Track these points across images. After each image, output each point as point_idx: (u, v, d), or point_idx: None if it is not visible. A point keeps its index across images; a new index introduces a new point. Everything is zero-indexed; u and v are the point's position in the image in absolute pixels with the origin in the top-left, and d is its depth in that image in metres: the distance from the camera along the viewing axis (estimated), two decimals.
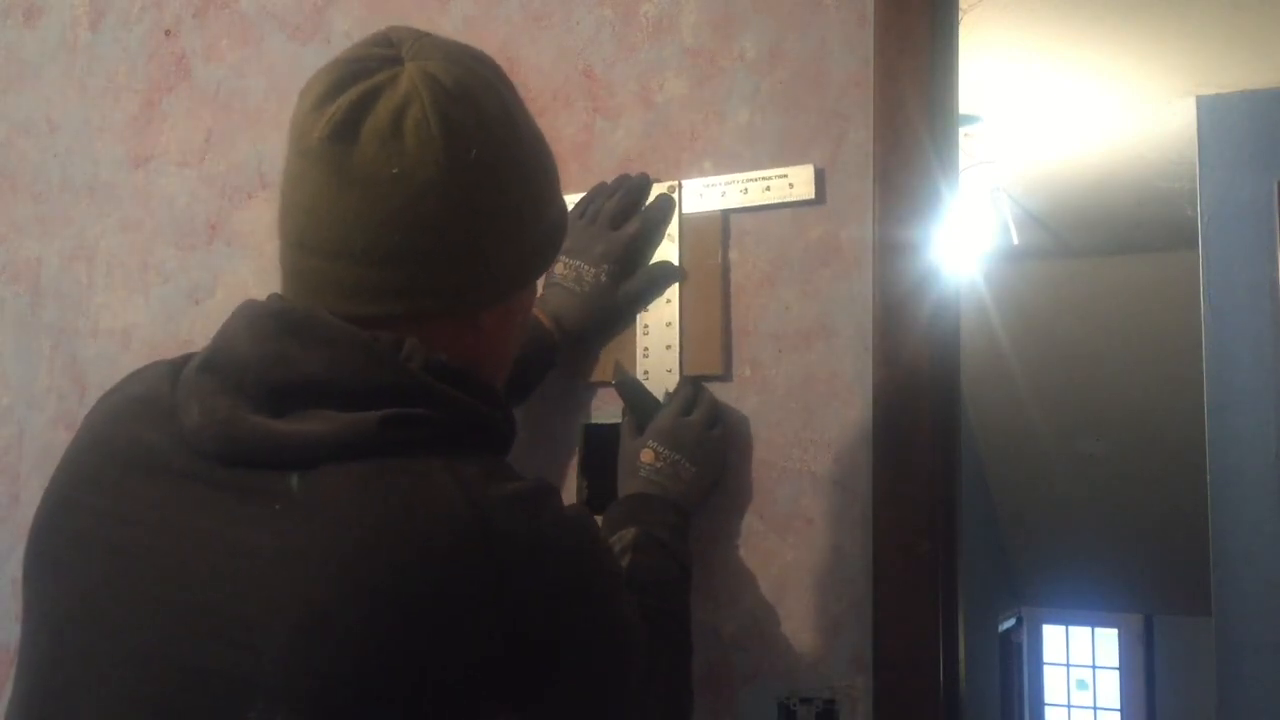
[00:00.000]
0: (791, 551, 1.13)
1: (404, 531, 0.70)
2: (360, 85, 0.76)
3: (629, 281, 1.18)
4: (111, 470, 0.78)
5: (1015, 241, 4.03)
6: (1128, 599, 6.30)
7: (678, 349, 1.18)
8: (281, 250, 0.81)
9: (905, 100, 1.12)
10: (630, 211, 1.19)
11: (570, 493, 1.21)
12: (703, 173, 1.20)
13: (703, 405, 1.13)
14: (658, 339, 1.19)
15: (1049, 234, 4.35)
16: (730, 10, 1.21)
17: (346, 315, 0.76)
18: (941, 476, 1.09)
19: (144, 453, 0.77)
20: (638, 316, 1.20)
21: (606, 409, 1.21)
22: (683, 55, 1.23)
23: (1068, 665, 7.14)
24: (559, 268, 1.16)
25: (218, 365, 0.77)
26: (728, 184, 1.18)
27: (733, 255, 1.19)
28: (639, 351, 1.20)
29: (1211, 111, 3.06)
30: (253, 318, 0.78)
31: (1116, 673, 6.94)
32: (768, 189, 1.17)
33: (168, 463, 0.75)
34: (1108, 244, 4.49)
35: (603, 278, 1.16)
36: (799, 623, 1.13)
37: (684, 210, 1.20)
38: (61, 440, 0.94)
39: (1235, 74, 2.97)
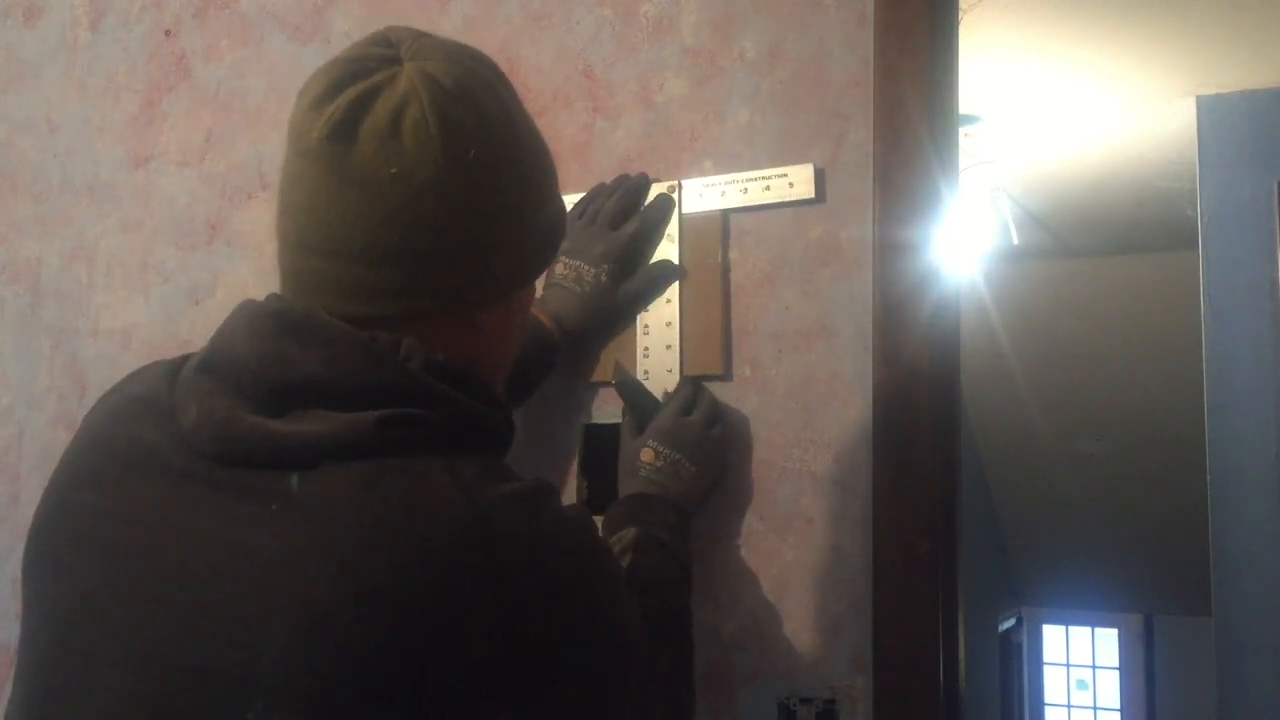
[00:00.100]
0: (791, 551, 1.13)
1: (404, 531, 0.70)
2: (359, 85, 0.76)
3: (629, 281, 1.18)
4: (111, 470, 0.78)
5: (1015, 241, 4.03)
6: (1128, 599, 6.30)
7: (678, 349, 1.18)
8: (280, 250, 0.81)
9: (905, 100, 1.12)
10: (630, 211, 1.19)
11: (570, 493, 1.21)
12: (703, 172, 1.20)
13: (703, 405, 1.13)
14: (658, 339, 1.19)
15: (1049, 234, 4.35)
16: (730, 10, 1.21)
17: (345, 315, 0.76)
18: (941, 476, 1.09)
19: (143, 453, 0.77)
20: (638, 316, 1.20)
21: (606, 409, 1.21)
22: (683, 55, 1.23)
23: (1068, 665, 7.14)
24: (559, 268, 1.16)
25: (216, 365, 0.77)
26: (728, 184, 1.18)
27: (733, 255, 1.19)
28: (639, 351, 1.20)
29: (1211, 111, 3.06)
30: (251, 318, 0.78)
31: (1116, 673, 6.94)
32: (768, 189, 1.17)
33: (167, 463, 0.75)
34: (1108, 244, 4.49)
35: (603, 278, 1.16)
36: (799, 623, 1.13)
37: (684, 210, 1.20)
38: (61, 440, 0.94)
39: (1235, 74, 2.97)
